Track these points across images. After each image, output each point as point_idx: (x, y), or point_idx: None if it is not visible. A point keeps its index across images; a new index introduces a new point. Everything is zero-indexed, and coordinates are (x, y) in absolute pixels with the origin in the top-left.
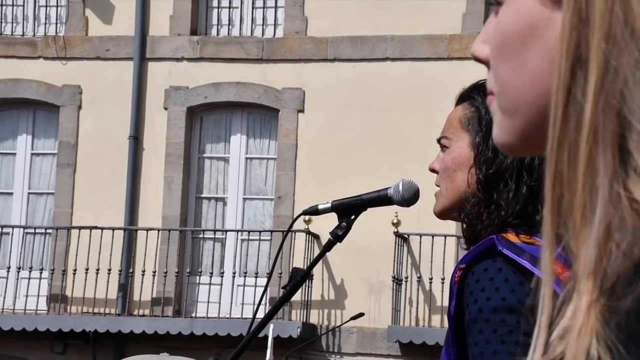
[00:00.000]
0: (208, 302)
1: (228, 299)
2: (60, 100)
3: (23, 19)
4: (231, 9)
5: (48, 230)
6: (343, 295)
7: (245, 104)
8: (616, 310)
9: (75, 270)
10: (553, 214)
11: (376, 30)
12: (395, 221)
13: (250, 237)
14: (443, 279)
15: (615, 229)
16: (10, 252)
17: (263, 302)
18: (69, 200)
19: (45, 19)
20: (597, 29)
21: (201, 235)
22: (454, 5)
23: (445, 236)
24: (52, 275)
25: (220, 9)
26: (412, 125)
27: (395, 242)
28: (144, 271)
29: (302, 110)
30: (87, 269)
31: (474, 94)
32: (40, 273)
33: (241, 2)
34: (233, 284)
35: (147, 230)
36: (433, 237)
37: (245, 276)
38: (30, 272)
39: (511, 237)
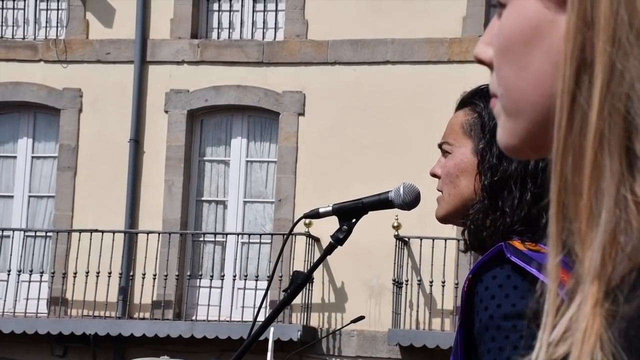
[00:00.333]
0: (208, 305)
1: (228, 302)
2: (61, 103)
3: (24, 22)
4: (232, 12)
5: (48, 233)
6: (343, 298)
7: (246, 107)
8: (619, 316)
9: (75, 273)
10: (558, 218)
11: (376, 34)
12: (395, 224)
13: (251, 240)
14: (443, 282)
15: (620, 232)
16: (11, 255)
17: (264, 305)
18: (69, 204)
19: (46, 22)
20: (602, 32)
21: (202, 239)
22: (454, 9)
23: (445, 239)
24: (53, 278)
25: (220, 12)
26: (412, 129)
27: (396, 245)
28: (144, 274)
29: (302, 114)
30: (87, 272)
31: (476, 100)
32: (41, 276)
33: (242, 5)
34: (233, 287)
35: (148, 233)
36: (433, 240)
37: (245, 279)
38: (30, 275)
39: (517, 244)
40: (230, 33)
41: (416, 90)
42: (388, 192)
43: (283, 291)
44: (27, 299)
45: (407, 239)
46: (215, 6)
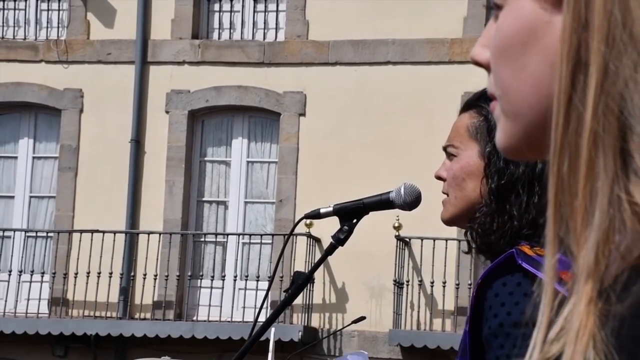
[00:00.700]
0: (209, 305)
1: (229, 302)
2: (62, 103)
3: (25, 23)
4: (233, 13)
5: (49, 234)
6: (344, 298)
7: (247, 108)
8: (612, 315)
9: (76, 273)
10: (555, 217)
11: (377, 34)
12: (396, 225)
13: (252, 241)
14: (444, 283)
15: (614, 231)
16: (12, 255)
17: (264, 305)
18: (70, 204)
19: (47, 22)
20: (596, 32)
21: (202, 239)
22: (455, 9)
23: (446, 240)
24: (54, 278)
25: (221, 13)
26: (413, 129)
27: (397, 246)
28: (145, 275)
29: (303, 114)
30: (88, 273)
31: (482, 103)
32: (42, 276)
33: (242, 5)
34: (234, 288)
35: (149, 233)
36: (434, 240)
37: (246, 280)
38: (31, 275)
39: (526, 249)
40: (231, 33)
41: (417, 90)
42: (389, 192)
43: (284, 292)
44: (28, 300)
45: (408, 240)
46: (216, 7)
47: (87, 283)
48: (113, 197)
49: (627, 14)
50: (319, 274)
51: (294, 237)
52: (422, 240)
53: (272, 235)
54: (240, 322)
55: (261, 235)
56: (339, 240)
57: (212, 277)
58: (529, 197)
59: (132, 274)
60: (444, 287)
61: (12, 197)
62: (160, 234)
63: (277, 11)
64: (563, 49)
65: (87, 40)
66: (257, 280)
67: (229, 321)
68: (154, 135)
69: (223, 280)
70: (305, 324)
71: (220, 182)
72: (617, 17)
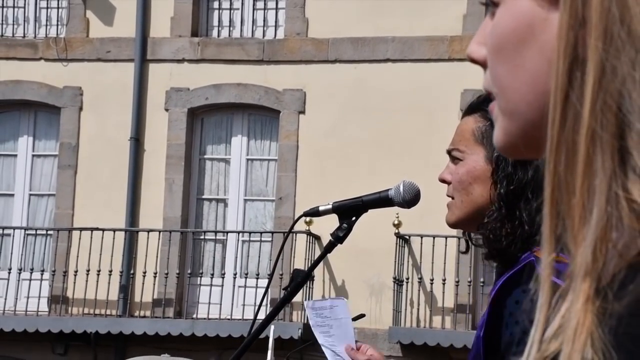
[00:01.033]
0: (209, 303)
1: (229, 300)
2: (61, 101)
3: (24, 21)
4: (232, 11)
5: (49, 232)
6: (344, 296)
7: (246, 105)
8: (610, 314)
9: (76, 271)
10: (552, 215)
11: (377, 32)
12: (396, 222)
13: (251, 239)
14: (444, 280)
15: (612, 229)
16: (12, 253)
17: (264, 303)
18: (70, 202)
19: (46, 20)
20: (594, 29)
21: (202, 237)
22: (455, 7)
23: (446, 237)
24: (53, 276)
25: (221, 11)
26: (412, 127)
27: (396, 243)
28: (145, 272)
29: (302, 112)
30: (88, 270)
31: (486, 106)
32: (42, 274)
33: (242, 3)
34: (234, 285)
35: (148, 231)
36: (434, 238)
37: (246, 277)
38: (31, 273)
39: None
40: (230, 31)
41: (416, 88)
42: (388, 190)
43: (283, 289)
44: (28, 298)
45: (407, 237)
46: (216, 4)
47: (86, 281)
48: (113, 195)
49: (625, 10)
50: (318, 272)
51: (294, 234)
52: (421, 237)
53: (272, 232)
54: (240, 319)
55: (261, 232)
56: (338, 237)
57: (212, 274)
58: (540, 202)
59: (132, 271)
60: (443, 284)
61: (12, 195)
62: (160, 231)
63: (276, 9)
64: (560, 46)
65: (86, 38)
66: (257, 278)
67: (228, 319)
68: (154, 133)
69: (223, 277)
70: (305, 321)
71: (220, 179)
72: (615, 14)
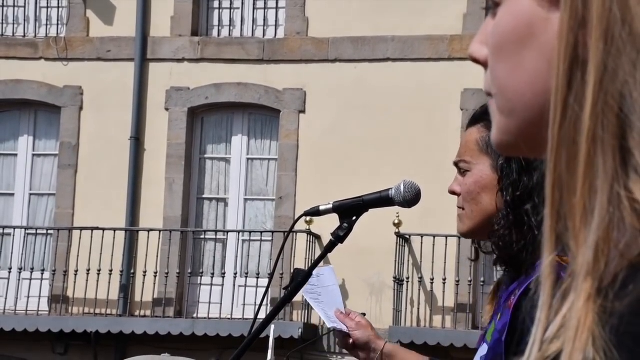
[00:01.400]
0: (209, 302)
1: (229, 299)
2: (62, 101)
3: (24, 20)
4: (232, 10)
5: (49, 231)
6: (344, 295)
7: (246, 105)
8: (611, 313)
9: (76, 271)
10: (553, 215)
11: (377, 31)
12: (396, 222)
13: (252, 238)
14: (444, 280)
15: (613, 229)
16: (12, 253)
17: (264, 303)
18: (70, 201)
19: (47, 20)
20: (594, 30)
21: (202, 236)
22: (455, 6)
23: (446, 237)
24: (54, 276)
25: (221, 10)
26: (413, 126)
27: (397, 243)
28: (145, 272)
29: (303, 111)
30: (88, 270)
31: (489, 116)
32: (42, 274)
33: (242, 3)
34: (234, 285)
35: (149, 231)
36: (434, 237)
37: (246, 277)
38: (31, 273)
39: (563, 260)
40: (230, 30)
41: (417, 87)
42: (389, 189)
43: (284, 289)
44: (28, 297)
45: (408, 237)
46: (216, 4)
47: (87, 280)
48: (113, 195)
49: (627, 11)
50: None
51: (294, 234)
52: (422, 237)
53: (272, 232)
54: (240, 319)
55: (261, 232)
56: (339, 237)
57: (212, 274)
58: None
59: (132, 271)
60: (444, 284)
61: (12, 194)
62: (160, 231)
63: (276, 8)
64: (560, 47)
65: (86, 37)
66: (257, 278)
67: (229, 318)
68: (154, 133)
69: (223, 277)
70: (305, 321)
71: (220, 179)
72: (617, 14)
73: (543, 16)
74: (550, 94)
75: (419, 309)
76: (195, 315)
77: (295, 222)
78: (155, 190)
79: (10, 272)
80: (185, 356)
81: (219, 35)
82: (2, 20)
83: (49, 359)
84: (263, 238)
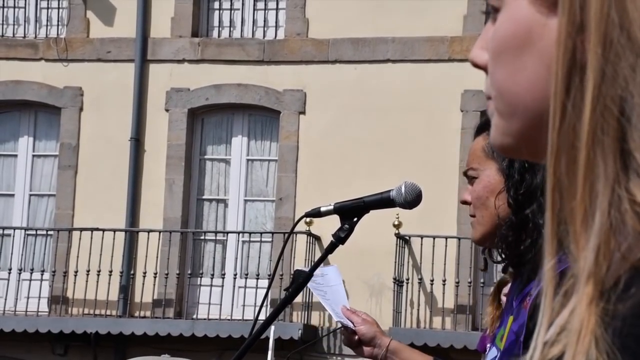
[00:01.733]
0: (209, 303)
1: (229, 300)
2: (62, 102)
3: (24, 21)
4: (232, 11)
5: (49, 232)
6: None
7: (247, 106)
8: (614, 315)
9: (76, 271)
10: (553, 219)
11: (377, 32)
12: (396, 223)
13: (252, 239)
14: (444, 281)
15: (615, 232)
16: (12, 253)
17: (264, 304)
18: (70, 202)
19: (47, 20)
20: (593, 35)
21: (202, 237)
22: (455, 7)
23: (446, 238)
24: (54, 276)
25: (221, 11)
26: (413, 127)
27: (397, 244)
28: (145, 273)
29: (303, 112)
30: (88, 271)
31: None
32: (42, 275)
33: (242, 3)
34: (234, 286)
35: (148, 232)
36: (434, 238)
37: (246, 278)
38: (31, 273)
39: None
40: (231, 31)
41: (417, 88)
42: (389, 191)
43: (284, 290)
44: (28, 298)
45: (407, 238)
46: (216, 5)
47: (87, 281)
48: (113, 195)
49: (625, 16)
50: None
51: (294, 235)
52: (422, 238)
53: (272, 233)
54: (240, 320)
55: (261, 233)
56: (340, 238)
57: (212, 275)
58: None
59: (132, 272)
60: (443, 285)
61: (12, 195)
62: (160, 232)
63: (277, 9)
64: (558, 52)
65: (86, 38)
66: (257, 279)
67: (228, 319)
68: (154, 134)
69: (223, 278)
70: (305, 322)
71: (220, 180)
72: (615, 19)
73: (542, 22)
74: (550, 99)
75: (418, 310)
76: (195, 316)
77: (296, 223)
78: (155, 191)
79: (10, 273)
80: (185, 357)
81: (219, 36)
82: (2, 21)
83: (48, 359)
84: (263, 239)
